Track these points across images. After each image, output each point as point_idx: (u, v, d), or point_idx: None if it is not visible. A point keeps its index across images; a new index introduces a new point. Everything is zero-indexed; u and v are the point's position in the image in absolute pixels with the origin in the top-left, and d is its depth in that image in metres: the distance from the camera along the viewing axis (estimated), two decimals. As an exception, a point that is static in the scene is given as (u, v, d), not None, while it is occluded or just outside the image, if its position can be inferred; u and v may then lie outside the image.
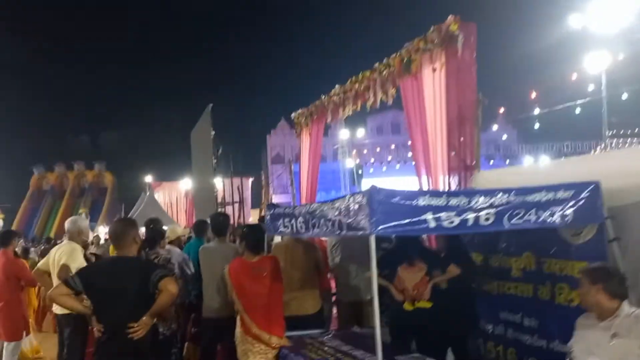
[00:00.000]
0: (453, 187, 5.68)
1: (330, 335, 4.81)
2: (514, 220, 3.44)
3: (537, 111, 13.31)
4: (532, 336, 4.40)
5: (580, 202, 3.56)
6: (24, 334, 6.96)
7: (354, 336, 4.80)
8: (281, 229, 4.55)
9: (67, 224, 5.73)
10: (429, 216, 3.23)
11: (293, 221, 4.25)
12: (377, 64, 7.15)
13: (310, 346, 4.46)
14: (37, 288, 8.88)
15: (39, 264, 5.88)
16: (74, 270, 5.05)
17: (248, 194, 30.46)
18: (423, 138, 6.30)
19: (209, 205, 12.16)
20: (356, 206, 3.31)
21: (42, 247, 15.59)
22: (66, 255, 5.44)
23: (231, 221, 6.84)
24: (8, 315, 6.64)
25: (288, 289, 4.92)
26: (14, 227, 29.68)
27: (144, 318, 3.71)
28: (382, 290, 6.03)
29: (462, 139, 5.79)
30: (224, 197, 14.74)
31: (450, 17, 5.77)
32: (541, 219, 3.49)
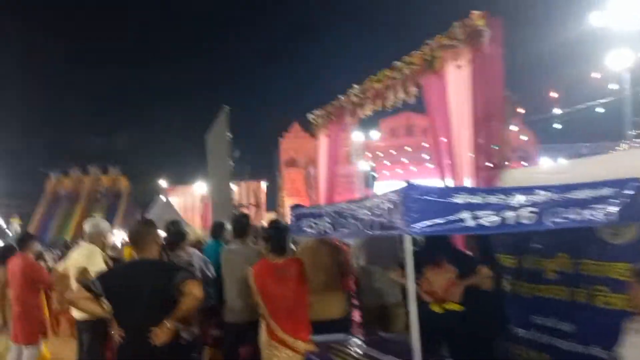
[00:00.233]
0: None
1: (356, 340, 4.66)
2: (555, 219, 3.27)
3: (556, 111, 13.06)
4: (568, 341, 4.21)
5: (625, 200, 3.38)
6: (43, 338, 6.89)
7: (381, 341, 4.65)
8: (306, 229, 4.41)
9: (87, 226, 5.64)
10: (466, 215, 3.08)
11: (319, 221, 4.12)
12: (397, 62, 7.01)
13: (336, 351, 4.31)
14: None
15: (58, 268, 5.80)
16: (93, 274, 4.96)
17: (263, 197, 30.44)
18: (447, 137, 6.14)
19: (226, 209, 12.05)
20: (390, 205, 3.16)
21: (60, 253, 15.61)
22: (85, 258, 5.35)
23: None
24: (26, 319, 6.56)
25: (311, 291, 4.77)
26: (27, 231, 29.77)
27: (167, 323, 3.57)
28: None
29: (488, 137, 5.63)
30: (241, 200, 14.65)
31: (475, 12, 5.62)
32: (584, 217, 3.31)
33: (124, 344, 3.65)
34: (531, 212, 3.23)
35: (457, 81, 5.92)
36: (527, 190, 3.28)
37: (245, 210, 15.04)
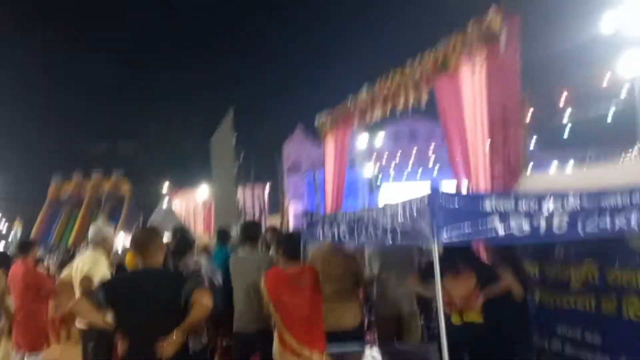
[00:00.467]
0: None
1: (371, 352, 4.49)
2: (588, 228, 3.08)
3: (566, 116, 12.86)
4: (595, 353, 4.03)
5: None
6: (45, 345, 6.72)
7: (398, 352, 4.49)
8: (320, 236, 4.23)
9: (90, 232, 5.45)
10: (496, 222, 2.90)
11: (335, 229, 3.94)
12: (408, 63, 6.84)
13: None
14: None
15: (62, 275, 5.63)
16: (97, 281, 4.79)
17: (266, 201, 30.25)
18: (462, 141, 5.96)
19: (230, 213, 11.89)
20: (414, 212, 2.98)
21: (61, 258, 15.47)
22: (89, 265, 5.16)
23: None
24: (28, 327, 6.41)
25: (324, 301, 4.57)
26: (32, 236, 29.75)
27: (175, 335, 3.38)
28: (425, 302, 5.73)
29: (505, 141, 5.46)
30: (244, 205, 14.47)
31: (492, 10, 5.45)
32: (617, 225, 3.12)
33: (128, 356, 3.46)
34: (562, 220, 3.04)
35: (472, 82, 5.76)
36: (558, 196, 3.09)
37: (248, 215, 14.85)
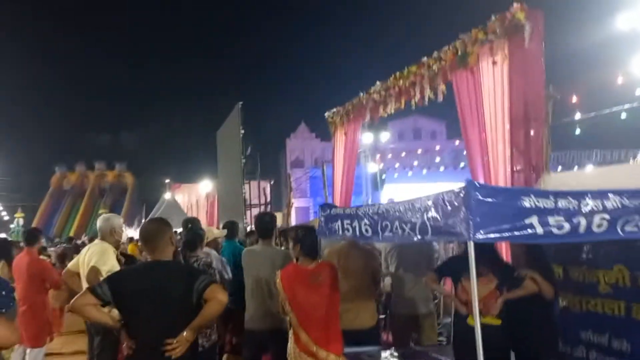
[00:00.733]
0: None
1: (388, 353, 4.33)
2: (628, 228, 2.91)
3: (577, 116, 12.66)
4: (623, 360, 3.87)
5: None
6: (48, 340, 6.56)
7: (414, 353, 4.32)
8: (339, 232, 4.03)
9: (99, 222, 5.26)
10: (534, 220, 2.73)
11: (356, 223, 3.73)
12: (425, 58, 6.67)
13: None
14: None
15: (69, 265, 5.45)
16: (104, 274, 4.62)
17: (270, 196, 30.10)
18: (481, 137, 5.79)
19: (236, 207, 11.72)
20: (447, 206, 2.81)
21: (63, 247, 15.37)
22: (96, 257, 4.95)
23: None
24: (31, 320, 6.24)
25: (340, 299, 4.40)
26: (34, 226, 29.68)
27: (185, 333, 3.19)
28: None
29: (527, 138, 5.28)
30: (249, 199, 14.28)
31: (515, 5, 5.29)
32: (657, 227, 2.96)
33: (135, 356, 3.27)
34: (603, 219, 2.88)
35: (492, 78, 5.59)
36: (598, 194, 2.93)
37: (254, 210, 14.67)
